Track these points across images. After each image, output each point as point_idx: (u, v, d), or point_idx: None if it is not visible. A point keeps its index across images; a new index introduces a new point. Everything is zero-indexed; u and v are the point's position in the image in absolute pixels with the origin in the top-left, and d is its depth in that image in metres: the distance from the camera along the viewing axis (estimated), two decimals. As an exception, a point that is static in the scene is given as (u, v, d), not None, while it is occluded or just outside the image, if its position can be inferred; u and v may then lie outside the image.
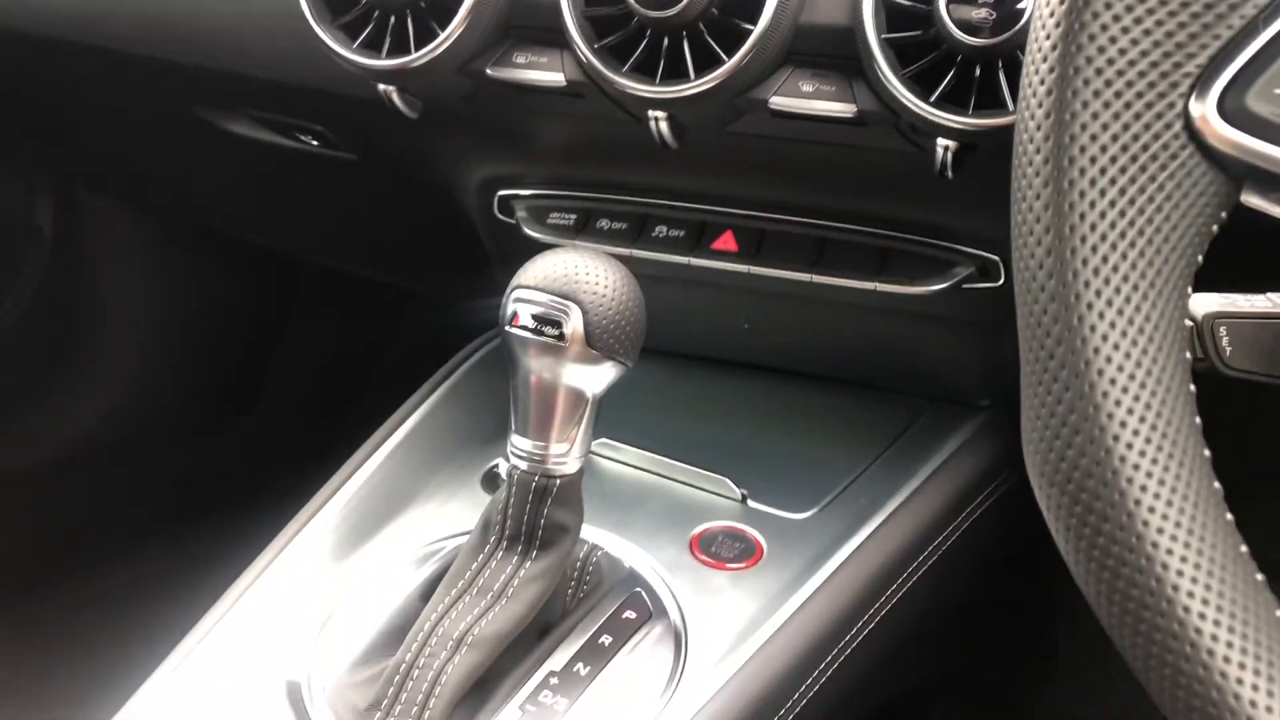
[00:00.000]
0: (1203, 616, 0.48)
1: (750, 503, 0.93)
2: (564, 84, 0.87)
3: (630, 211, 0.99)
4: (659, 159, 0.90)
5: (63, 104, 1.41)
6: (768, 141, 0.88)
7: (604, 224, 0.99)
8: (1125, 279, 0.49)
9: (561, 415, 0.77)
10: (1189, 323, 0.52)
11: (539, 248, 0.85)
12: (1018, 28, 0.74)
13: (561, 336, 0.74)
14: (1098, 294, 0.49)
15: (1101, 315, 0.49)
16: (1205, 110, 0.49)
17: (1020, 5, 0.74)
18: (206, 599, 0.89)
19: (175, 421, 1.77)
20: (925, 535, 0.91)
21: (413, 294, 1.83)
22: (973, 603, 1.08)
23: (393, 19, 0.89)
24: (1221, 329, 0.54)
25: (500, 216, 1.05)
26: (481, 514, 0.82)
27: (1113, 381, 0.49)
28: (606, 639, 0.82)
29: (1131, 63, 0.49)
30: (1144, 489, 0.48)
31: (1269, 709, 0.47)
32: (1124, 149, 0.49)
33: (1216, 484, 0.50)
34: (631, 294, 0.76)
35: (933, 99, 0.77)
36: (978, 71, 0.77)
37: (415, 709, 0.76)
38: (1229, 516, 0.50)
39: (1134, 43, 0.49)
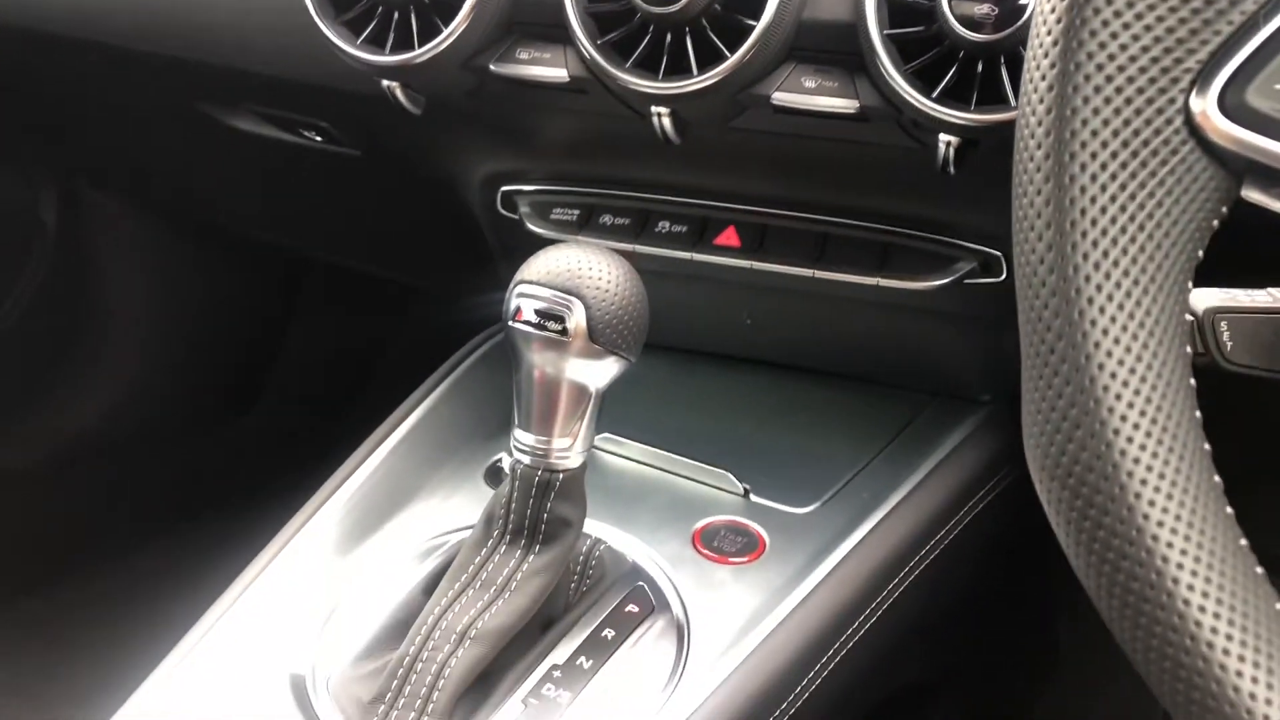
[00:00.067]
0: (1203, 610, 0.48)
1: (752, 497, 0.94)
2: (567, 80, 0.88)
3: (633, 207, 0.99)
4: (662, 154, 0.90)
5: (64, 100, 1.41)
6: (770, 137, 0.88)
7: (607, 219, 0.99)
8: (1126, 274, 0.49)
9: (564, 410, 0.77)
10: (1190, 318, 0.52)
11: (542, 243, 0.85)
12: (1020, 23, 0.74)
13: (564, 331, 0.74)
14: (1098, 289, 0.49)
15: (1102, 310, 0.49)
16: (1206, 106, 0.49)
17: (1022, 1, 0.74)
18: (210, 595, 0.89)
19: (178, 419, 1.78)
20: (927, 530, 0.91)
21: (416, 290, 1.83)
22: (974, 597, 1.08)
23: (396, 15, 0.89)
24: (1222, 324, 0.54)
25: (503, 212, 1.05)
26: (485, 508, 0.82)
27: (1113, 376, 0.49)
28: (609, 633, 0.82)
29: (1132, 58, 0.49)
30: (1144, 483, 0.48)
31: (1269, 701, 0.47)
32: (1125, 144, 0.49)
33: (1216, 478, 0.50)
34: (634, 289, 0.76)
35: (935, 95, 0.77)
36: (980, 67, 0.77)
37: (419, 702, 0.76)
38: (1229, 510, 0.50)
39: (1135, 38, 0.49)
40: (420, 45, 0.88)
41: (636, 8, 0.82)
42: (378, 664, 0.80)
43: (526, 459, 0.79)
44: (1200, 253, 0.51)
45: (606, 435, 0.99)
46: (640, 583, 0.86)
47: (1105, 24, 0.49)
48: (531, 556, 0.80)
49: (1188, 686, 0.48)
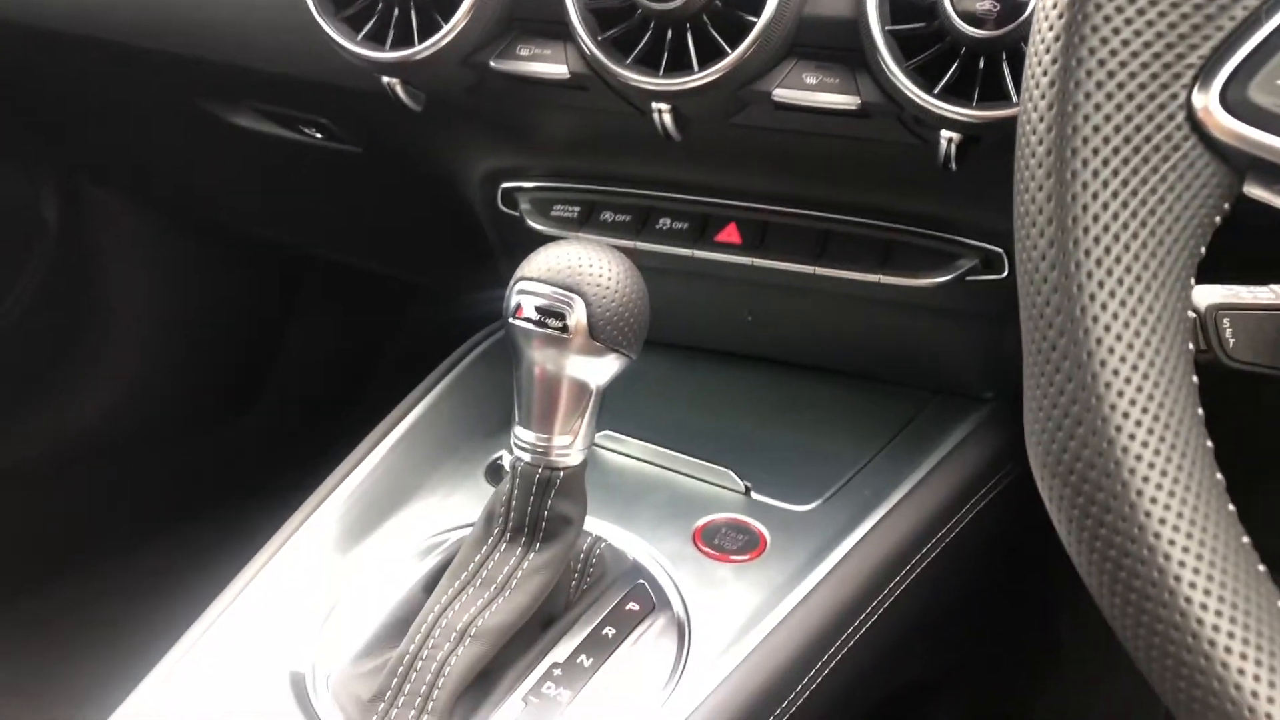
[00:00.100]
0: (1204, 607, 0.48)
1: (754, 495, 0.94)
2: (567, 76, 0.87)
3: (634, 204, 0.99)
4: (662, 151, 0.90)
5: (66, 97, 1.41)
6: (771, 134, 0.88)
7: (607, 216, 0.99)
8: (1128, 270, 0.49)
9: (565, 407, 0.77)
10: (1192, 314, 0.52)
11: (542, 240, 0.85)
12: (1021, 19, 0.74)
13: (565, 328, 0.74)
14: (1100, 285, 0.49)
15: (1104, 306, 0.49)
16: (1208, 101, 0.49)
17: (1024, -4, 0.74)
18: (210, 593, 0.89)
19: (178, 417, 1.78)
20: (929, 528, 0.91)
21: (416, 287, 1.83)
22: (976, 595, 1.08)
23: (396, 11, 0.89)
24: (1225, 321, 0.54)
25: (504, 209, 1.05)
26: (485, 506, 0.82)
27: (1115, 373, 0.49)
28: (610, 631, 0.82)
29: (1134, 54, 0.49)
30: (1146, 480, 0.48)
31: (1270, 700, 0.47)
32: (1127, 140, 0.49)
33: (1219, 475, 0.50)
34: (635, 286, 0.76)
35: (936, 91, 0.77)
36: (981, 63, 0.76)
37: (419, 700, 0.76)
38: (1231, 508, 0.50)
39: (1137, 34, 0.49)
40: (420, 41, 0.88)
41: (637, 4, 0.82)
42: (378, 662, 0.80)
43: (527, 456, 0.78)
44: (1203, 249, 0.51)
45: (607, 433, 0.99)
46: (641, 581, 0.86)
47: (1107, 19, 0.49)
48: (532, 554, 0.80)
49: (1189, 684, 0.48)
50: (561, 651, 0.81)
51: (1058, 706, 1.34)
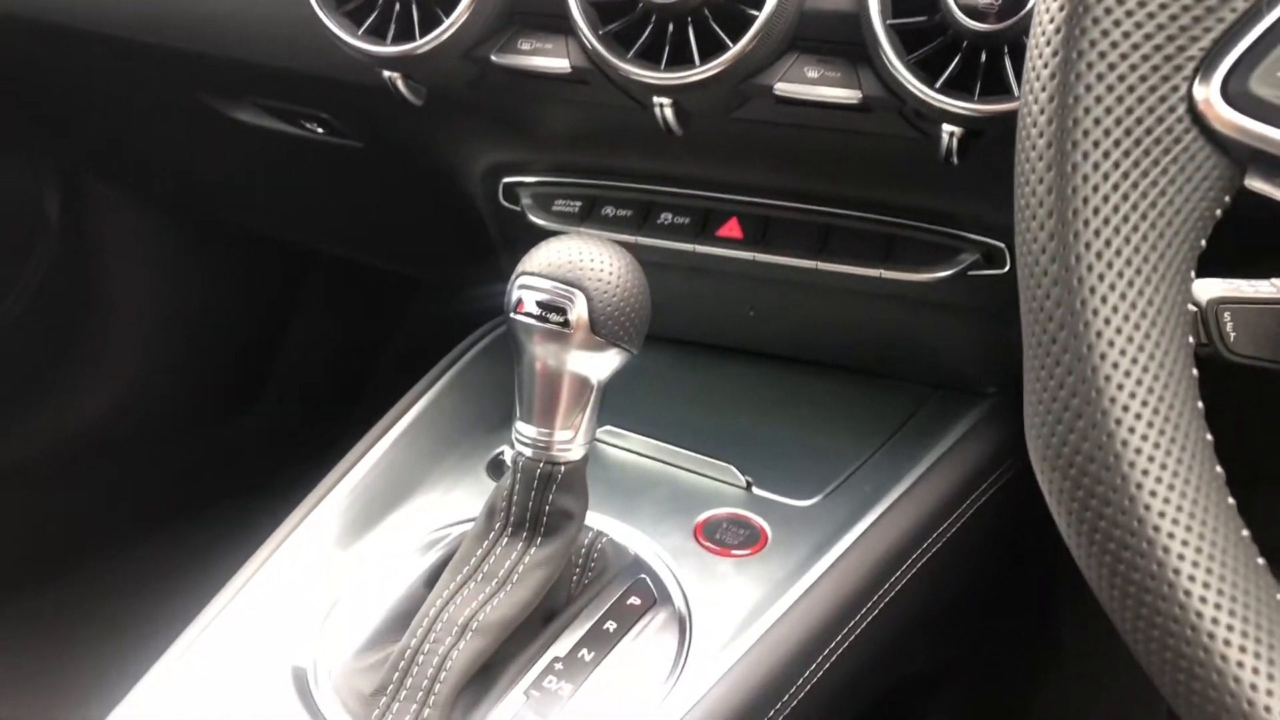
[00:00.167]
0: (1203, 600, 0.48)
1: (755, 490, 0.94)
2: (569, 70, 0.87)
3: (635, 198, 0.99)
4: (664, 146, 0.90)
5: (68, 92, 1.41)
6: (773, 128, 0.88)
7: (609, 211, 0.99)
8: (1128, 263, 0.49)
9: (566, 402, 0.77)
10: (1193, 308, 0.52)
11: (544, 235, 0.85)
12: (1023, 13, 0.74)
13: (566, 323, 0.74)
14: (1100, 278, 0.49)
15: (1104, 299, 0.49)
16: (1209, 94, 0.49)
17: (1026, -10, 0.74)
18: (211, 590, 0.89)
19: (180, 414, 1.78)
20: (930, 522, 0.91)
21: (418, 282, 1.83)
22: (977, 589, 1.08)
23: (397, 5, 0.89)
24: (1226, 314, 0.54)
25: (505, 203, 1.05)
26: (486, 500, 0.82)
27: (1115, 365, 0.49)
28: (611, 625, 0.82)
29: (1135, 46, 0.49)
30: (1145, 473, 0.48)
31: (1269, 692, 0.47)
32: (1127, 132, 0.49)
33: (1218, 468, 0.50)
34: (636, 281, 0.76)
35: (938, 85, 0.77)
36: (983, 57, 0.76)
37: (420, 694, 0.76)
38: (1230, 501, 0.50)
39: (1138, 26, 0.49)
40: (421, 36, 0.88)
41: (638, -2, 0.82)
42: (379, 656, 0.80)
43: (528, 451, 0.78)
44: (1203, 242, 0.51)
45: (608, 428, 0.99)
46: (642, 575, 0.86)
47: (1108, 11, 0.49)
48: (533, 549, 0.80)
49: (1188, 677, 0.48)
50: (563, 646, 0.81)
51: (1059, 701, 1.34)
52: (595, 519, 0.87)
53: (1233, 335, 0.54)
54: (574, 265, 0.74)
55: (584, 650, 0.81)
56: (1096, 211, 0.49)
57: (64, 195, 1.61)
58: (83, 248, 1.64)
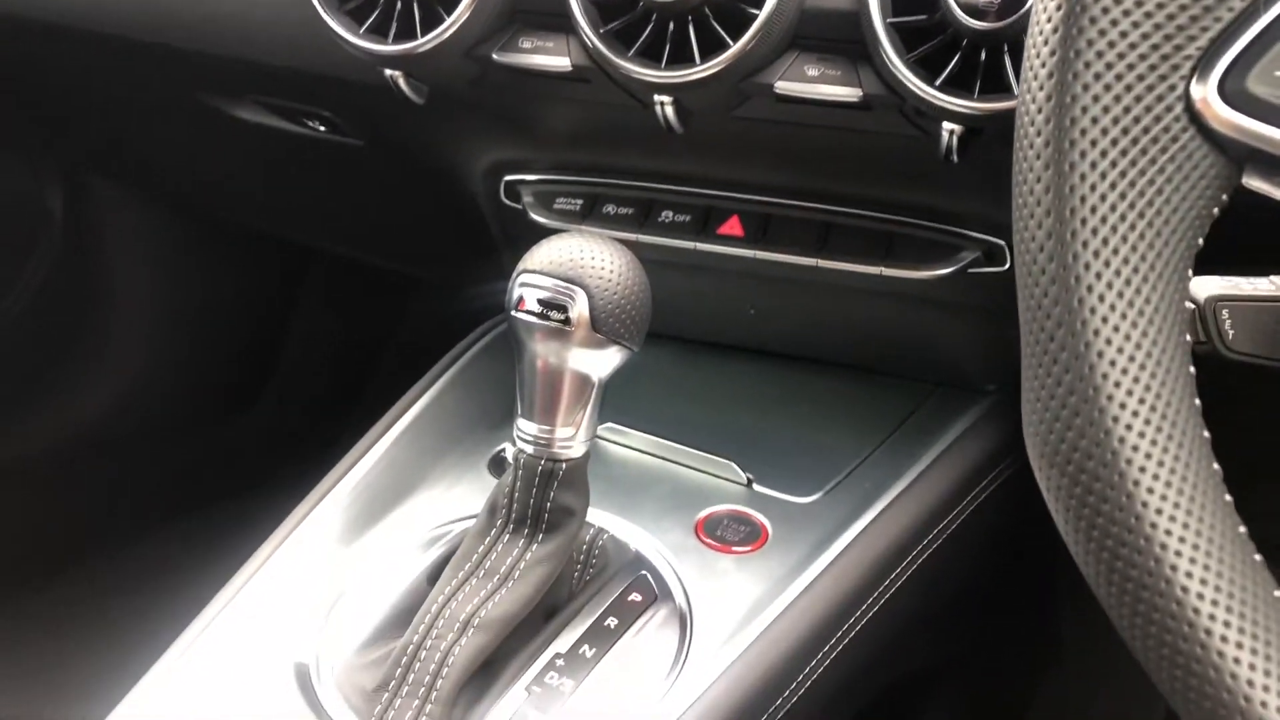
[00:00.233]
0: (1201, 597, 0.48)
1: (755, 487, 0.94)
2: (570, 69, 0.88)
3: (636, 197, 0.99)
4: (665, 144, 0.90)
5: (70, 91, 1.41)
6: (773, 126, 0.88)
7: (610, 209, 0.99)
8: (1126, 261, 0.49)
9: (567, 399, 0.78)
10: (1191, 305, 0.52)
11: (545, 233, 0.85)
12: (1022, 11, 0.74)
13: (567, 321, 0.75)
14: (1098, 276, 0.49)
15: (1101, 297, 0.49)
16: (1206, 92, 0.49)
17: (1025, -11, 0.74)
18: (213, 588, 0.89)
19: (181, 412, 1.78)
20: (929, 520, 0.91)
21: (419, 281, 1.83)
22: (977, 587, 1.08)
23: (399, 4, 0.90)
24: (1224, 312, 0.54)
25: (506, 202, 1.05)
26: (488, 497, 0.82)
27: (1112, 363, 0.49)
28: (612, 621, 0.82)
29: (1132, 45, 0.49)
30: (1143, 470, 0.48)
31: (1266, 688, 0.47)
32: (1125, 131, 0.49)
33: (1216, 465, 0.50)
34: (637, 279, 0.76)
35: (938, 83, 0.77)
36: (983, 55, 0.77)
37: (423, 690, 0.76)
38: (1228, 498, 0.50)
39: (1135, 25, 0.49)
40: (423, 34, 0.88)
41: (639, -4, 0.82)
42: (382, 652, 0.81)
43: (530, 448, 0.79)
44: (1201, 240, 0.51)
45: (609, 425, 0.99)
46: (643, 572, 0.86)
47: (1105, 10, 0.49)
48: (535, 546, 0.80)
49: (1185, 673, 0.48)
50: (564, 642, 0.81)
51: (1058, 699, 1.35)
52: (596, 516, 0.88)
53: (1231, 333, 0.54)
54: (575, 263, 0.75)
55: (585, 646, 0.81)
56: (1094, 210, 0.49)
57: (65, 194, 1.61)
58: (84, 246, 1.64)
